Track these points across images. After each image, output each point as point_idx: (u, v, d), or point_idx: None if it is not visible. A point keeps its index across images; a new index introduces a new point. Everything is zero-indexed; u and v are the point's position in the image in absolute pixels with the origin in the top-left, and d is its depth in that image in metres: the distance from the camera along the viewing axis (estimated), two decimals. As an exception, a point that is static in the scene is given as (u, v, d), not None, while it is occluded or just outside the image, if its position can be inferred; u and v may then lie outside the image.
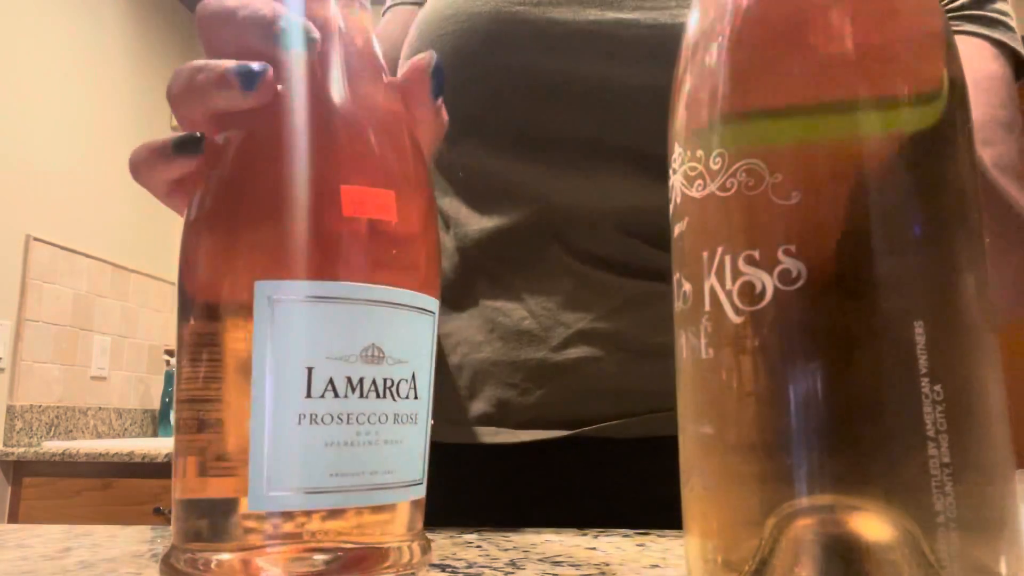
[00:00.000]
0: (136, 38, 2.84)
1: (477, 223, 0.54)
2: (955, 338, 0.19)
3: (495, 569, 0.29)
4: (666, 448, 0.48)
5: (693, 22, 0.23)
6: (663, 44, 0.49)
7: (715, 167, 0.21)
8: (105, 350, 2.63)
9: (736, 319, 0.20)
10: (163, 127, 2.89)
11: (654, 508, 0.47)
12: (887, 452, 0.18)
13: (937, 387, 0.18)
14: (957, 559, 0.18)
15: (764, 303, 0.19)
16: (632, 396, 0.49)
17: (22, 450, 2.07)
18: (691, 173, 0.21)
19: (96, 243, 2.59)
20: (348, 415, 0.25)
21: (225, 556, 0.24)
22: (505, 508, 0.50)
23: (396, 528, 0.27)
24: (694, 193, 0.21)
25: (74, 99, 2.53)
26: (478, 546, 0.35)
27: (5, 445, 2.21)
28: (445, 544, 0.35)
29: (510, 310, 0.52)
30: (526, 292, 0.52)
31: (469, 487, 0.53)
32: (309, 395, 0.24)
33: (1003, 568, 0.18)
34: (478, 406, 0.53)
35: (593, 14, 0.50)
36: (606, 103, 0.50)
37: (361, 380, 0.25)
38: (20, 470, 2.10)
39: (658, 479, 0.47)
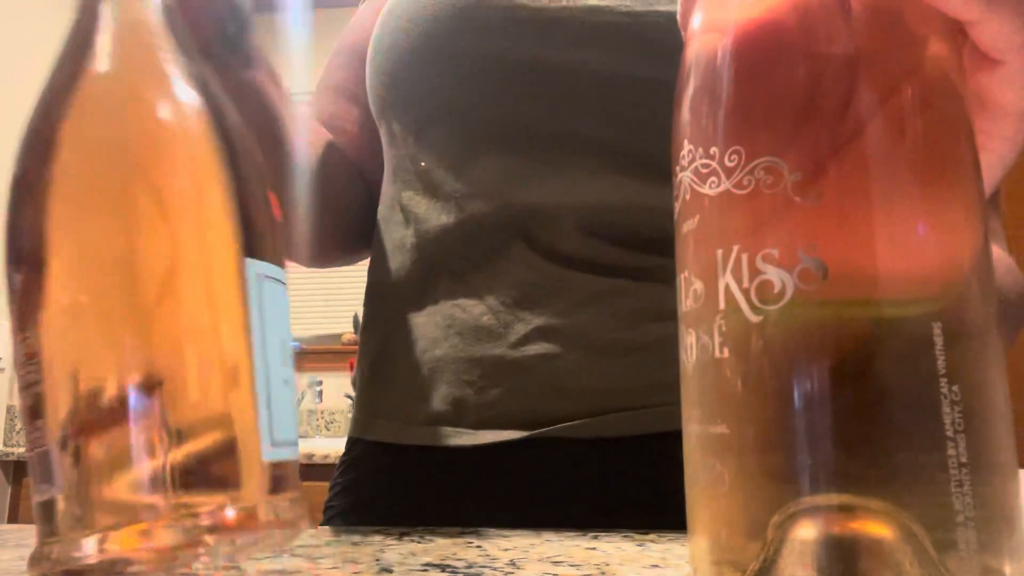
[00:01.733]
0: (136, 38, 2.85)
1: (437, 219, 0.52)
2: (970, 338, 0.19)
3: (495, 569, 0.29)
4: (623, 448, 0.48)
5: (699, 16, 0.23)
6: (637, 32, 0.48)
7: (731, 164, 0.21)
8: (105, 350, 2.63)
9: (754, 318, 0.20)
10: (163, 127, 2.89)
11: (608, 509, 0.46)
12: (907, 452, 0.18)
13: (955, 387, 0.18)
14: (970, 560, 0.17)
15: (784, 302, 0.19)
16: (591, 394, 0.47)
17: (22, 450, 2.07)
18: (703, 170, 0.21)
19: (96, 243, 2.59)
20: (290, 380, 0.29)
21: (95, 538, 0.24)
22: (458, 511, 0.48)
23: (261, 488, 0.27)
24: (707, 190, 0.21)
25: (74, 99, 2.53)
26: (478, 546, 0.35)
27: (5, 445, 2.21)
28: (445, 544, 0.35)
29: (469, 306, 0.50)
30: (486, 289, 0.50)
31: (422, 490, 0.52)
32: (284, 363, 0.28)
33: (1007, 568, 0.18)
34: (433, 405, 0.51)
35: (565, 0, 0.49)
36: (576, 93, 0.49)
37: (291, 350, 0.30)
38: (20, 470, 2.10)
39: (616, 479, 0.47)
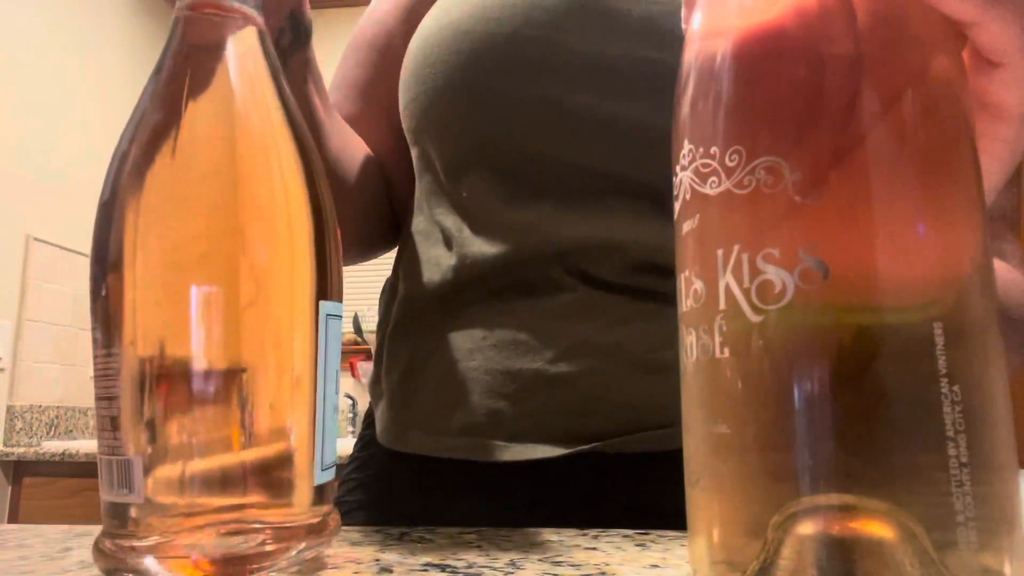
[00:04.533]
0: (136, 38, 2.84)
1: (480, 247, 0.52)
2: (970, 338, 0.19)
3: (495, 569, 0.29)
4: (658, 462, 0.47)
5: (699, 18, 0.23)
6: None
7: (731, 164, 0.20)
8: (105, 350, 2.63)
9: (755, 318, 0.19)
10: (163, 127, 2.89)
11: (651, 519, 0.46)
12: (907, 452, 0.18)
13: (955, 387, 0.18)
14: (971, 560, 0.17)
15: (784, 302, 0.19)
16: (627, 410, 0.48)
17: (22, 450, 2.07)
18: (704, 170, 0.21)
19: (96, 243, 2.59)
20: (338, 408, 0.32)
21: (149, 542, 0.26)
22: (487, 520, 0.48)
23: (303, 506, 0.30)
24: (707, 190, 0.21)
25: (74, 99, 2.53)
26: (478, 546, 0.35)
27: (5, 445, 2.21)
28: (445, 544, 0.35)
29: (507, 322, 0.50)
30: (525, 308, 0.50)
31: (450, 501, 0.52)
32: (336, 392, 0.31)
33: (1007, 568, 0.18)
34: (467, 415, 0.50)
35: (616, 48, 0.48)
36: (629, 142, 0.49)
37: (339, 378, 0.32)
38: (20, 470, 2.10)
39: (656, 491, 0.47)
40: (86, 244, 2.54)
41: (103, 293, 0.28)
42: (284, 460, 0.28)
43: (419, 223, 0.57)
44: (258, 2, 0.31)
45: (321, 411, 0.29)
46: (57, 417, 2.41)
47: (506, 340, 0.50)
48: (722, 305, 0.20)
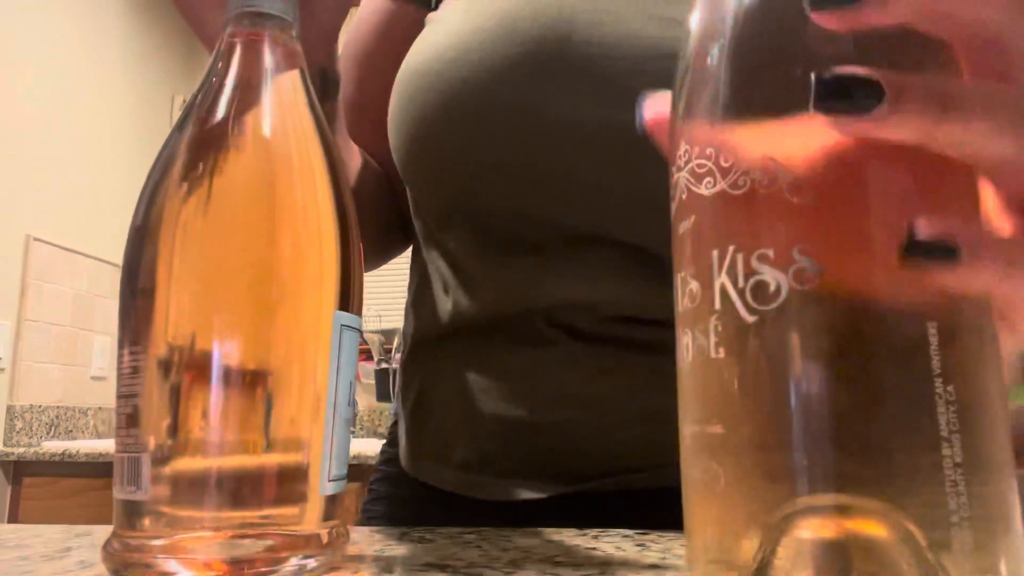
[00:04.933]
0: (136, 38, 2.84)
1: (467, 299, 0.53)
2: (965, 338, 0.19)
3: (495, 569, 0.29)
4: (643, 499, 0.48)
5: (696, 19, 0.23)
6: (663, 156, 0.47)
7: (726, 164, 0.20)
8: (105, 350, 2.63)
9: (749, 318, 0.20)
10: (163, 127, 2.89)
11: None
12: (902, 452, 0.18)
13: (950, 387, 0.18)
14: (966, 560, 0.17)
15: (779, 302, 0.19)
16: (608, 456, 0.49)
17: (22, 450, 2.07)
18: (699, 170, 0.21)
19: (96, 243, 2.59)
20: (350, 420, 0.31)
21: (159, 542, 0.27)
22: None
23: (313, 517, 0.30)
24: (703, 190, 0.21)
25: (74, 99, 2.53)
26: (478, 546, 0.35)
27: (5, 445, 2.21)
28: (445, 544, 0.35)
29: (493, 369, 0.52)
30: (510, 358, 0.52)
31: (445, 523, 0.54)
32: (349, 404, 0.31)
33: (1003, 568, 0.18)
34: (462, 452, 0.53)
35: (594, 112, 0.46)
36: (606, 204, 0.48)
37: (354, 390, 0.32)
38: (20, 470, 2.10)
39: (648, 526, 0.48)
40: (86, 244, 2.54)
41: (130, 292, 0.28)
42: (292, 468, 0.28)
43: (422, 261, 0.59)
44: (298, 32, 0.33)
45: (331, 422, 0.29)
46: (57, 417, 2.41)
47: (492, 387, 0.52)
48: (717, 305, 0.20)
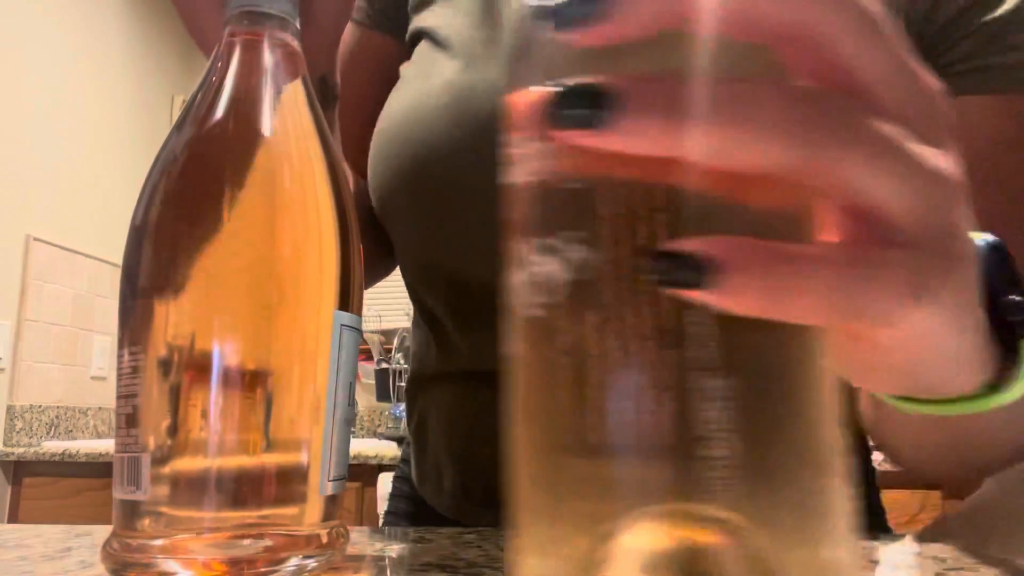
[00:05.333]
0: (136, 38, 2.84)
1: (441, 358, 0.57)
2: (744, 325, 0.17)
3: (495, 569, 0.29)
4: None
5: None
6: None
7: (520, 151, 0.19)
8: (105, 350, 2.63)
9: (538, 313, 0.18)
10: (164, 126, 2.89)
11: None
12: (733, 454, 0.17)
13: (762, 386, 0.17)
14: (807, 555, 0.17)
15: (562, 296, 0.18)
16: None
17: (22, 450, 2.07)
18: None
19: (96, 243, 2.59)
20: (351, 420, 0.31)
21: (160, 542, 0.27)
22: None
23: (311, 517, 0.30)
24: (508, 180, 0.20)
25: (74, 99, 2.53)
26: (478, 546, 0.35)
27: (5, 445, 2.21)
28: (445, 544, 0.35)
29: (468, 413, 0.55)
30: (481, 405, 0.54)
31: None
32: (349, 404, 0.31)
33: (844, 561, 0.17)
34: (449, 480, 0.57)
35: None
36: None
37: (354, 390, 0.32)
38: (20, 470, 2.10)
39: None
40: (86, 244, 2.54)
41: (130, 292, 0.28)
42: (292, 469, 0.28)
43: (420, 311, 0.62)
44: (299, 33, 0.33)
45: (331, 422, 0.29)
46: (57, 417, 2.41)
47: (467, 428, 0.55)
48: (513, 301, 0.19)
